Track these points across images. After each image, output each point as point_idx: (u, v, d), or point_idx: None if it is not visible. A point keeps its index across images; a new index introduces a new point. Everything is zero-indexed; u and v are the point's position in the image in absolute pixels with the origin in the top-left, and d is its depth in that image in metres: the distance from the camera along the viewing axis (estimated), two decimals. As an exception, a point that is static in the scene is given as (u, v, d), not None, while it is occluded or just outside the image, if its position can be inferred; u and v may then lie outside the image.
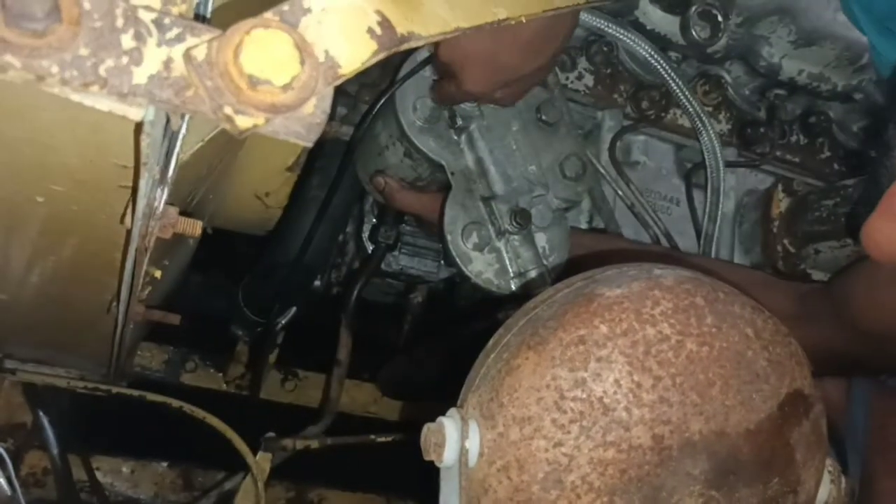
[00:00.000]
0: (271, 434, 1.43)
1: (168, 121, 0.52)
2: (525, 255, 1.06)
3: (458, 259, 1.05)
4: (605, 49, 1.23)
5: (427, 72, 1.07)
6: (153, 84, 0.41)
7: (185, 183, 0.76)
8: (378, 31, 0.49)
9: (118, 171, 0.57)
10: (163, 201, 0.64)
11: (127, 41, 0.41)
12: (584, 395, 0.63)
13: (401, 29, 0.50)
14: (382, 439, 1.60)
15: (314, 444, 1.46)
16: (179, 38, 0.42)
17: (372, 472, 1.82)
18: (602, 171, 1.24)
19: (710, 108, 1.29)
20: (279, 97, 0.42)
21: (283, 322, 1.46)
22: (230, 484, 1.60)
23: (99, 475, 1.65)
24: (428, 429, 0.68)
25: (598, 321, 0.65)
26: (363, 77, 1.17)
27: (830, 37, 1.18)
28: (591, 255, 1.11)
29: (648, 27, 1.21)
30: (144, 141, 0.49)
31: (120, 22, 0.41)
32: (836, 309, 0.99)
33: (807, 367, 0.71)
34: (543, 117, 1.11)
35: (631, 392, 0.63)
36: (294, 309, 1.45)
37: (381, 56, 0.49)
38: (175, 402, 1.47)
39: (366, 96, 1.20)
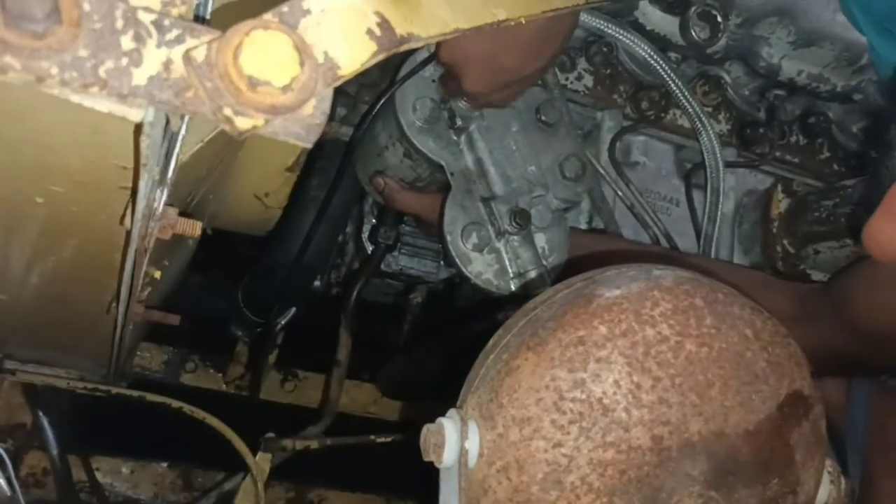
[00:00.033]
0: (271, 434, 1.43)
1: (168, 122, 0.52)
2: (525, 256, 1.06)
3: (457, 259, 1.05)
4: (604, 50, 1.23)
5: (427, 72, 1.07)
6: (153, 85, 0.41)
7: (184, 184, 0.76)
8: (377, 32, 0.49)
9: (118, 172, 0.57)
10: (162, 202, 0.64)
11: (127, 42, 0.41)
12: (584, 396, 0.63)
13: (400, 30, 0.50)
14: (382, 440, 1.60)
15: (314, 444, 1.46)
16: (179, 40, 0.42)
17: (372, 473, 1.82)
18: (602, 171, 1.24)
19: (710, 109, 1.29)
20: (279, 98, 0.42)
21: (283, 322, 1.46)
22: (230, 484, 1.60)
23: (99, 475, 1.65)
24: (427, 429, 0.68)
25: (597, 322, 0.65)
26: (363, 78, 1.17)
27: (830, 37, 1.18)
28: (591, 256, 1.11)
29: (648, 28, 1.21)
30: (144, 142, 0.49)
31: (120, 23, 0.41)
32: (836, 309, 0.99)
33: (806, 367, 0.72)
34: (543, 118, 1.11)
35: (630, 393, 0.63)
36: (294, 309, 1.45)
37: (381, 57, 0.49)
38: (175, 403, 1.47)
39: (365, 97, 1.20)
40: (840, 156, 1.37)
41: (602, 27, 1.20)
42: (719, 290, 0.70)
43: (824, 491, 0.74)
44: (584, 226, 1.24)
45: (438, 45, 0.99)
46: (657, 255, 1.18)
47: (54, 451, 1.51)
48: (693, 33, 1.18)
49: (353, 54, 0.47)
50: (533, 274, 1.05)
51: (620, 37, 1.20)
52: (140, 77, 0.41)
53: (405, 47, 0.51)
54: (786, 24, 1.18)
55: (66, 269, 0.85)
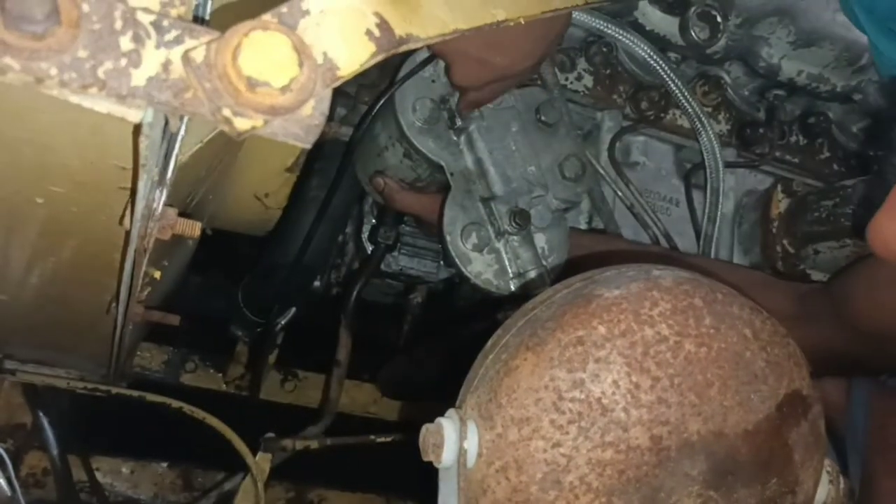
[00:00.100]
0: (271, 434, 1.43)
1: (167, 122, 0.52)
2: (524, 256, 1.06)
3: (457, 260, 1.05)
4: (604, 50, 1.23)
5: (427, 72, 1.07)
6: (152, 86, 0.41)
7: (184, 184, 0.76)
8: (376, 32, 0.49)
9: (118, 173, 0.57)
10: (162, 203, 0.64)
11: (126, 43, 0.41)
12: (583, 396, 0.63)
13: (399, 31, 0.50)
14: (382, 440, 1.60)
15: (314, 444, 1.46)
16: (178, 41, 0.42)
17: (372, 473, 1.82)
18: (601, 171, 1.24)
19: (710, 109, 1.29)
20: (277, 99, 0.42)
21: (283, 322, 1.46)
22: (230, 484, 1.60)
23: (99, 475, 1.65)
24: (426, 429, 0.68)
25: (596, 322, 0.65)
26: (362, 78, 1.17)
27: (830, 37, 1.18)
28: (591, 256, 1.11)
29: (648, 28, 1.21)
30: (143, 142, 0.49)
31: (119, 24, 0.41)
32: (836, 309, 0.99)
33: (805, 367, 0.72)
34: (543, 118, 1.11)
35: (629, 393, 0.63)
36: (294, 309, 1.45)
37: (380, 58, 0.49)
38: (175, 403, 1.47)
39: (365, 97, 1.20)
40: (840, 156, 1.37)
41: (602, 27, 1.20)
42: (718, 290, 0.70)
43: (823, 490, 0.74)
44: (583, 226, 1.24)
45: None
46: (657, 255, 1.18)
47: (54, 451, 1.51)
48: (693, 33, 1.18)
49: (352, 55, 0.47)
50: (532, 274, 1.05)
51: (620, 37, 1.20)
52: (139, 78, 0.41)
53: (404, 48, 0.51)
54: (786, 25, 1.18)
55: (66, 269, 0.85)
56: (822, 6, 1.15)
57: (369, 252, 1.33)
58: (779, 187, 1.30)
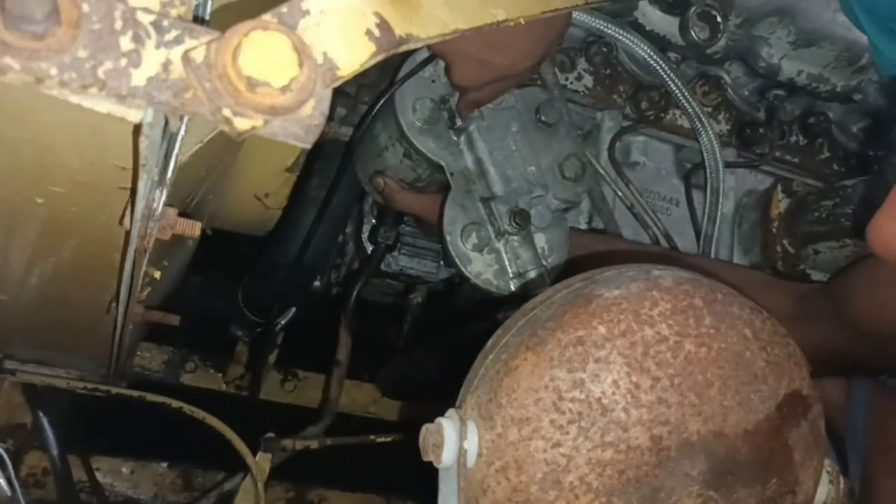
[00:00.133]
0: (271, 434, 1.43)
1: (167, 122, 0.52)
2: (524, 256, 1.06)
3: (457, 260, 1.05)
4: (604, 50, 1.23)
5: (427, 72, 1.07)
6: (152, 86, 0.41)
7: (184, 184, 0.76)
8: (376, 32, 0.49)
9: (118, 173, 0.57)
10: (161, 203, 0.64)
11: (126, 43, 0.41)
12: (583, 396, 0.63)
13: (399, 31, 0.50)
14: (382, 439, 1.60)
15: (314, 444, 1.46)
16: (178, 41, 0.42)
17: (372, 473, 1.82)
18: (601, 171, 1.24)
19: (710, 109, 1.29)
20: (277, 99, 0.42)
21: (283, 322, 1.46)
22: (230, 484, 1.60)
23: (99, 475, 1.65)
24: (426, 430, 0.68)
25: (596, 322, 0.65)
26: (362, 78, 1.17)
27: (829, 37, 1.18)
28: (591, 256, 1.11)
29: (648, 28, 1.21)
30: (143, 142, 0.49)
31: (119, 24, 0.41)
32: (836, 309, 0.99)
33: (805, 367, 0.72)
34: (543, 118, 1.11)
35: (629, 393, 0.63)
36: (294, 309, 1.45)
37: (380, 58, 0.49)
38: (175, 403, 1.47)
39: (365, 97, 1.20)
40: (840, 156, 1.37)
41: (602, 27, 1.20)
42: (718, 290, 0.70)
43: (823, 491, 0.74)
44: (583, 226, 1.24)
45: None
46: (657, 255, 1.18)
47: (54, 452, 1.51)
48: (693, 33, 1.18)
49: (352, 55, 0.47)
50: (532, 274, 1.05)
51: (620, 37, 1.20)
52: (139, 78, 0.41)
53: (404, 48, 0.51)
54: (785, 25, 1.18)
55: (66, 269, 0.85)
56: (822, 6, 1.15)
57: (369, 252, 1.33)
58: (779, 187, 1.30)
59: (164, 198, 0.63)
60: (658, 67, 1.21)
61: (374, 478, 1.84)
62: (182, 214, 0.72)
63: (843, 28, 1.15)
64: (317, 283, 1.41)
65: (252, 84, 0.42)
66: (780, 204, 1.29)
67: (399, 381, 1.68)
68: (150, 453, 1.74)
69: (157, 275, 0.85)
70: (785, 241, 1.28)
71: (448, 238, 1.05)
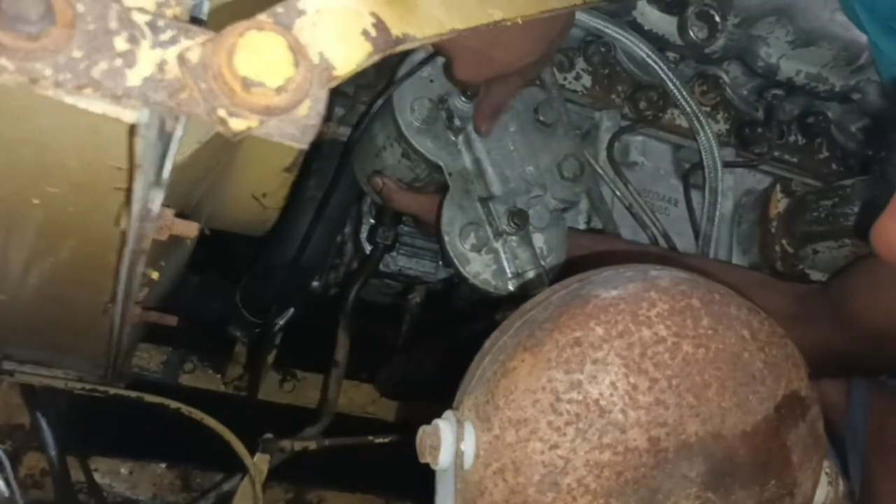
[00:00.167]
0: (269, 435, 1.43)
1: (163, 123, 0.52)
2: (523, 256, 1.06)
3: (455, 260, 1.05)
4: (602, 49, 1.23)
5: (425, 72, 1.07)
6: (147, 86, 0.41)
7: (181, 185, 0.76)
8: (373, 32, 0.49)
9: (114, 174, 0.57)
10: (158, 203, 0.64)
11: (121, 43, 0.41)
12: (580, 398, 0.63)
13: (396, 31, 0.50)
14: (381, 440, 1.60)
15: (312, 445, 1.45)
16: (173, 41, 0.42)
17: (370, 473, 1.82)
18: (600, 171, 1.24)
19: (708, 109, 1.29)
20: (273, 99, 0.42)
21: (281, 323, 1.46)
22: (228, 485, 1.60)
23: (97, 476, 1.65)
24: (423, 431, 0.67)
25: (593, 323, 0.65)
26: (360, 78, 1.17)
27: (828, 37, 1.18)
28: (589, 256, 1.10)
29: (646, 28, 1.21)
30: (138, 143, 0.49)
31: (114, 24, 0.41)
32: (835, 309, 0.99)
33: (803, 368, 0.71)
34: (541, 118, 1.11)
35: (627, 394, 0.63)
36: (292, 310, 1.45)
37: (376, 58, 0.49)
38: (173, 404, 1.46)
39: (363, 97, 1.20)
40: (839, 155, 1.37)
41: (600, 27, 1.20)
42: (716, 291, 0.70)
43: (822, 492, 0.74)
44: (582, 226, 1.24)
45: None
46: (655, 255, 1.18)
47: (53, 452, 1.50)
48: (691, 33, 1.18)
49: (349, 55, 0.47)
50: (531, 274, 1.05)
51: (619, 37, 1.20)
52: (134, 78, 0.41)
53: (401, 48, 0.51)
54: (784, 24, 1.18)
55: (64, 270, 0.85)
56: (821, 6, 1.15)
57: (368, 252, 1.33)
58: (777, 187, 1.30)
59: (160, 198, 0.63)
60: (656, 67, 1.21)
61: (372, 478, 1.84)
62: (180, 215, 0.72)
63: (842, 27, 1.15)
64: (315, 284, 1.41)
65: (247, 84, 0.41)
66: (779, 204, 1.29)
67: (398, 381, 1.68)
68: (149, 454, 1.74)
69: (155, 275, 0.85)
70: (784, 241, 1.28)
71: (446, 238, 1.05)
